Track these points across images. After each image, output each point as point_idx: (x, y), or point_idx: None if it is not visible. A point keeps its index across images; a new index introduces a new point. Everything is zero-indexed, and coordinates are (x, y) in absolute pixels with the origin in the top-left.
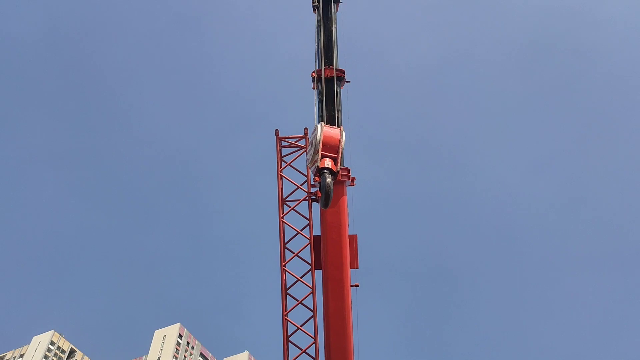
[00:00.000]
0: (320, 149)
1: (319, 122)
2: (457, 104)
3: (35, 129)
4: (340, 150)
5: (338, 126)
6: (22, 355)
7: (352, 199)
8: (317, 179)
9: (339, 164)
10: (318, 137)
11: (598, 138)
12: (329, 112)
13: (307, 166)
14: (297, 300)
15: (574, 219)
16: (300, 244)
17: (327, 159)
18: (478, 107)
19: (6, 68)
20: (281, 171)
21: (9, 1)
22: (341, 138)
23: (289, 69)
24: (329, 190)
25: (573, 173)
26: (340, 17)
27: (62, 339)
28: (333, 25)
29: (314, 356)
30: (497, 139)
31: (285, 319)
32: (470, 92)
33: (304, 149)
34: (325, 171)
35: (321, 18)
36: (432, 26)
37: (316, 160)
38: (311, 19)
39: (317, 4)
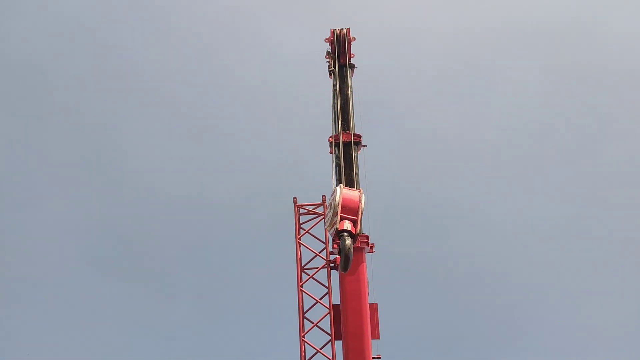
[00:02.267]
0: (339, 211)
1: (337, 185)
2: (477, 166)
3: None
4: (360, 213)
5: (357, 189)
6: None
7: (371, 267)
8: (335, 246)
9: (358, 227)
10: (337, 199)
11: None
12: (347, 176)
13: (325, 230)
14: None
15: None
16: (320, 314)
17: (347, 221)
18: (499, 167)
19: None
20: (299, 239)
21: None
22: (361, 200)
23: (306, 134)
24: (348, 252)
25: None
26: (356, 81)
27: None
28: (349, 90)
29: None
30: (520, 198)
31: None
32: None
33: (322, 216)
34: (345, 234)
35: (337, 82)
36: (446, 92)
37: (335, 223)
38: (326, 84)
39: (333, 69)
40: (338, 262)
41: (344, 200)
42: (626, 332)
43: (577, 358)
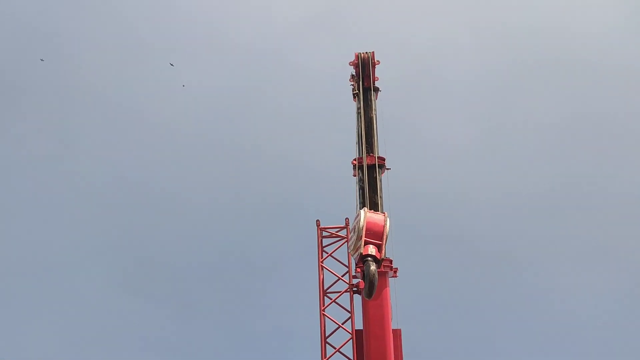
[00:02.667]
0: (363, 235)
1: (361, 208)
2: (502, 191)
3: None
4: (385, 237)
5: (381, 213)
6: None
7: (395, 291)
8: (358, 269)
9: (383, 252)
10: (361, 223)
11: None
12: (371, 199)
13: (348, 254)
14: None
15: None
16: (342, 339)
17: (371, 245)
18: (525, 193)
19: None
20: (322, 262)
21: None
22: (385, 224)
23: (330, 156)
24: (373, 278)
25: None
26: (380, 104)
27: None
28: (373, 112)
29: None
30: (547, 227)
31: None
32: (515, 179)
33: (345, 239)
34: (369, 259)
35: (361, 105)
36: (470, 110)
37: (359, 248)
38: (350, 106)
39: (357, 92)
40: (361, 287)
41: (368, 224)
42: None
43: None
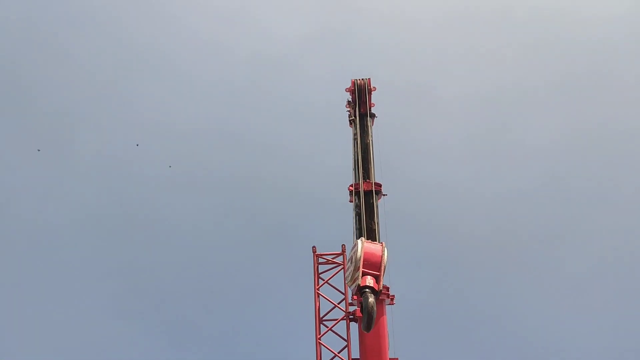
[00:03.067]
0: (360, 266)
1: (358, 238)
2: (497, 216)
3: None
4: (383, 268)
5: (377, 240)
6: None
7: (391, 319)
8: (355, 297)
9: (381, 283)
10: (359, 254)
11: None
12: (367, 225)
13: (345, 284)
14: None
15: None
16: None
17: (369, 276)
18: (520, 217)
19: None
20: (318, 289)
21: None
22: (383, 254)
23: (326, 182)
24: (371, 311)
25: None
26: (376, 131)
27: None
28: (369, 138)
29: None
30: (541, 252)
31: None
32: (511, 203)
33: (341, 266)
34: (367, 290)
35: (358, 131)
36: (465, 140)
37: (356, 279)
38: (347, 132)
39: (353, 118)
40: (358, 315)
41: (365, 254)
42: None
43: None
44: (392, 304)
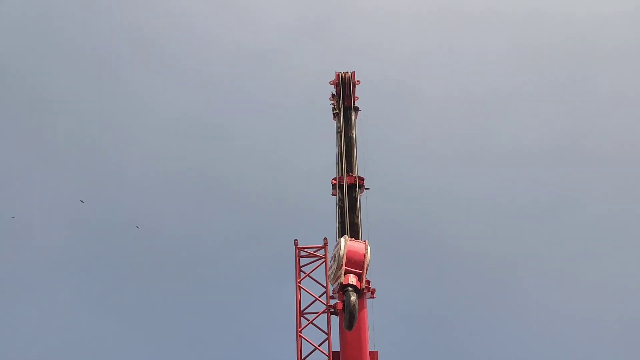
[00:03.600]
0: (343, 265)
1: (341, 230)
2: (479, 210)
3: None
4: (366, 266)
5: (359, 233)
6: None
7: (372, 312)
8: (337, 294)
9: (363, 281)
10: (342, 252)
11: None
12: (350, 219)
13: (326, 274)
14: None
15: None
16: None
17: (351, 275)
18: (503, 211)
19: None
20: (299, 282)
21: None
22: (366, 252)
23: (308, 176)
24: (353, 310)
25: None
26: (359, 124)
27: None
28: (353, 132)
29: None
30: (525, 245)
31: None
32: (494, 197)
33: (323, 259)
34: (350, 289)
35: (341, 125)
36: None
37: (339, 277)
38: (330, 125)
39: (337, 111)
40: (338, 307)
41: (348, 252)
42: None
43: None
44: (373, 298)
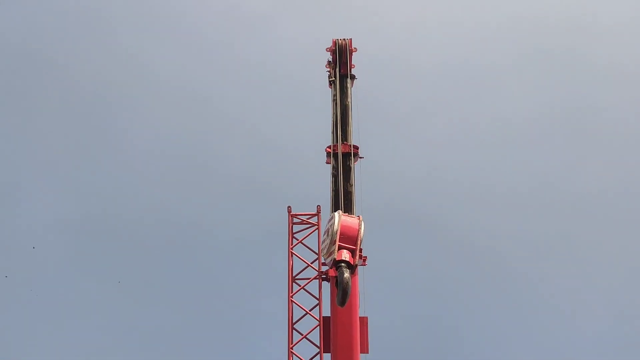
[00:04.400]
0: (337, 240)
1: (335, 204)
2: (474, 181)
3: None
4: (359, 242)
5: (352, 203)
6: None
7: (363, 279)
8: (330, 270)
9: (357, 257)
10: (335, 227)
11: None
12: (344, 188)
13: (319, 241)
14: None
15: None
16: (309, 325)
17: (345, 250)
18: (498, 182)
19: None
20: (292, 248)
21: None
22: (360, 228)
23: (303, 143)
24: (346, 286)
25: None
26: (355, 93)
27: None
28: (349, 100)
29: None
30: (518, 214)
31: None
32: (490, 168)
33: (316, 227)
34: (343, 264)
35: (337, 92)
36: (446, 105)
37: (332, 252)
38: (326, 92)
39: (333, 79)
40: (330, 274)
41: (342, 228)
42: None
43: None
44: (365, 265)
